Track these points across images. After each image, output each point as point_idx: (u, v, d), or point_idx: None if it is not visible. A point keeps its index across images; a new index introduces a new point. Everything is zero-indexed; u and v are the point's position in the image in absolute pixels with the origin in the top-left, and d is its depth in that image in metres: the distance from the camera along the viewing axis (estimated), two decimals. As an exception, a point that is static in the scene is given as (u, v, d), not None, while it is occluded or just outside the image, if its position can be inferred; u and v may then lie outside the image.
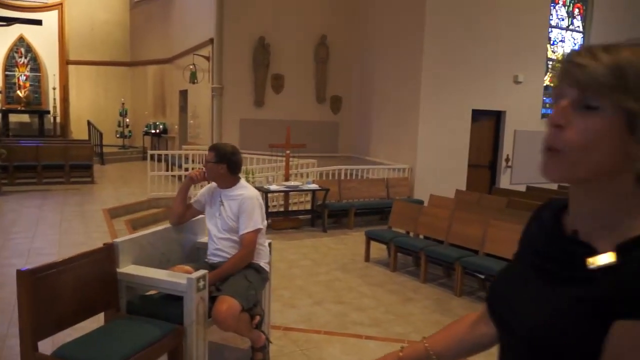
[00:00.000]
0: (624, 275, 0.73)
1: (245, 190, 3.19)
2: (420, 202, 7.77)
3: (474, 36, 9.38)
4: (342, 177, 9.00)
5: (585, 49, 0.78)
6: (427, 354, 1.11)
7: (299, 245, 6.84)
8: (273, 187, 7.62)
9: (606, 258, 0.77)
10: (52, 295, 2.49)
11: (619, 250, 0.77)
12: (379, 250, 6.35)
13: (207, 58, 11.31)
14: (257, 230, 3.12)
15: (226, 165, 3.14)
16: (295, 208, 8.35)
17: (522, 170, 10.27)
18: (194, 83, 11.93)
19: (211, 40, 11.00)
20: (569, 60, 0.79)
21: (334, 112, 11.95)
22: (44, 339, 2.49)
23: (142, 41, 16.64)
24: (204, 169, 3.27)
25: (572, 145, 0.78)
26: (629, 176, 0.78)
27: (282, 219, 7.74)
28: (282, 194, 7.91)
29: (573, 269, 0.80)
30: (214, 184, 3.28)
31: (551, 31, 11.06)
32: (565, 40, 11.41)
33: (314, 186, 7.81)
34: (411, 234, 6.26)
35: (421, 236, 6.12)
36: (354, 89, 11.82)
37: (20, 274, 2.36)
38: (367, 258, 6.23)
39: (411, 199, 8.73)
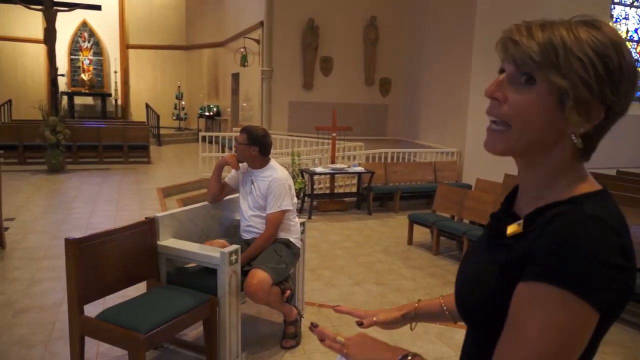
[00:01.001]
0: (526, 242, 0.76)
1: (274, 171, 3.28)
2: (469, 187, 7.62)
3: (528, 15, 8.90)
4: (389, 160, 8.96)
5: (524, 25, 0.79)
6: (441, 309, 1.20)
7: (343, 227, 6.90)
8: (319, 169, 7.69)
9: (515, 227, 0.81)
10: (96, 263, 2.67)
11: (526, 219, 0.80)
12: (423, 234, 6.32)
13: (257, 41, 11.47)
14: (283, 212, 3.21)
15: (258, 147, 3.23)
16: (341, 190, 8.40)
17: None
18: (244, 66, 12.14)
19: (261, 23, 11.13)
20: (507, 35, 0.80)
21: (382, 95, 11.84)
22: (89, 302, 2.69)
23: (197, 25, 17.05)
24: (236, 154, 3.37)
25: (501, 116, 0.80)
26: (562, 151, 0.80)
27: (327, 201, 7.82)
28: (327, 176, 7.98)
29: (500, 237, 0.84)
30: (245, 164, 3.38)
31: (614, 8, 10.42)
32: (629, 17, 10.73)
33: (359, 169, 7.81)
34: (455, 218, 6.18)
35: (466, 221, 6.03)
36: (404, 71, 11.65)
37: (68, 242, 2.56)
38: (409, 241, 6.21)
39: (459, 183, 8.57)
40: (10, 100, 15.30)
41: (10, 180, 8.21)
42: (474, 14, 8.98)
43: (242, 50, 12.07)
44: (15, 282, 4.29)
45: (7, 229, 5.52)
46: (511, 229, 0.82)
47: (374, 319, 1.21)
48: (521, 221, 0.81)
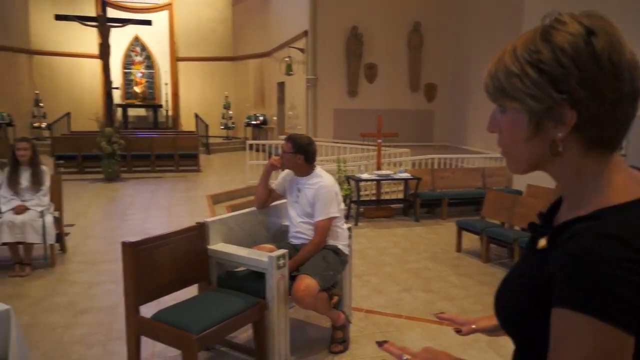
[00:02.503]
0: (550, 261, 0.74)
1: (321, 179, 3.30)
2: (519, 193, 7.42)
3: (578, 10, 8.69)
4: (436, 166, 8.84)
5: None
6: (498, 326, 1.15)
7: (390, 233, 6.86)
8: (364, 175, 7.68)
9: (543, 241, 0.79)
10: (151, 266, 2.78)
11: (552, 235, 0.77)
12: (471, 241, 6.19)
13: (302, 50, 11.61)
14: (331, 219, 3.23)
15: (303, 155, 3.27)
16: (387, 197, 8.35)
17: (637, 158, 9.40)
18: (289, 75, 12.31)
19: (305, 33, 11.28)
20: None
21: (428, 100, 11.72)
22: (145, 304, 2.80)
23: (243, 36, 17.45)
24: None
25: (502, 146, 0.84)
26: (569, 157, 0.78)
27: (373, 208, 7.78)
28: (374, 182, 7.96)
29: (534, 250, 0.83)
30: (290, 171, 3.42)
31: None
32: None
33: (406, 175, 7.75)
34: (506, 225, 6.02)
35: (517, 227, 5.86)
36: (449, 76, 11.49)
37: (125, 246, 2.68)
38: (458, 248, 6.10)
39: (509, 189, 8.35)
40: (69, 113, 16.12)
41: (70, 188, 8.62)
42: (521, 14, 8.77)
43: (287, 59, 12.25)
44: (75, 285, 4.51)
45: (67, 234, 5.80)
46: (541, 243, 0.80)
47: (473, 326, 1.18)
48: (546, 237, 0.79)
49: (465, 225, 6.04)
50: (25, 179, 4.84)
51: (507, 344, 3.20)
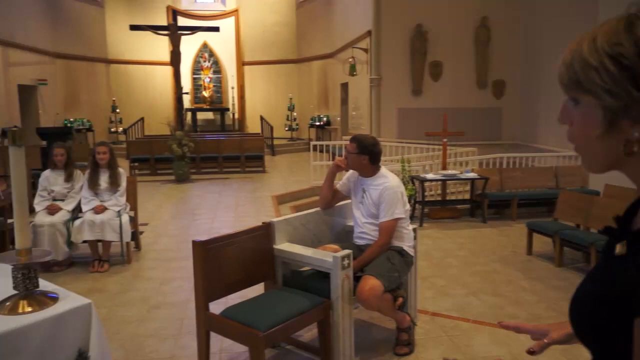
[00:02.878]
0: (629, 268, 0.68)
1: (386, 179, 3.27)
2: (596, 193, 7.01)
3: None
4: (505, 165, 8.53)
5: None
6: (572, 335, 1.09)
7: (456, 235, 6.69)
8: (430, 175, 7.54)
9: (620, 247, 0.73)
10: (219, 264, 2.87)
11: (630, 241, 0.71)
12: (543, 243, 5.91)
13: (366, 50, 11.58)
14: (396, 219, 3.19)
15: (368, 156, 3.25)
16: (453, 197, 8.15)
17: None
18: (353, 75, 12.31)
19: (369, 33, 11.23)
20: None
21: (496, 97, 11.33)
22: (214, 300, 2.89)
23: (307, 39, 17.65)
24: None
25: (572, 140, 0.79)
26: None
27: (439, 209, 7.63)
28: (439, 183, 7.80)
29: (610, 256, 0.76)
30: (355, 172, 3.41)
31: None
32: None
33: (472, 175, 7.54)
34: (581, 227, 5.70)
35: (593, 230, 5.54)
36: (519, 72, 11.06)
37: (195, 244, 2.79)
38: (529, 251, 5.84)
39: (584, 189, 7.91)
40: (142, 118, 16.98)
41: (143, 189, 9.07)
42: (596, 3, 8.28)
43: (350, 60, 12.26)
44: (149, 281, 4.74)
45: (142, 232, 6.11)
46: (619, 249, 0.74)
47: (545, 340, 1.10)
48: (625, 242, 0.73)
49: (537, 227, 5.78)
50: (104, 180, 5.14)
51: (582, 353, 3.02)
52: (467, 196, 8.03)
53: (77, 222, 4.96)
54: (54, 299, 1.62)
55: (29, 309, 1.56)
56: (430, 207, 7.54)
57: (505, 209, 7.80)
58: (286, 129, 17.53)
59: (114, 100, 17.04)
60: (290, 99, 17.63)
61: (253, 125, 18.30)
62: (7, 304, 1.58)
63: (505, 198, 7.69)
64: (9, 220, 5.23)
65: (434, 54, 11.01)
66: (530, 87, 10.61)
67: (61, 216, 4.99)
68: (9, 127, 1.53)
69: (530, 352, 1.10)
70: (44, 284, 1.69)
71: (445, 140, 7.90)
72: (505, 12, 10.94)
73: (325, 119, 16.42)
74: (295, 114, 17.65)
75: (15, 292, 1.60)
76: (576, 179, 8.18)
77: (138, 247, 5.66)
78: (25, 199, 1.58)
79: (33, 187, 6.05)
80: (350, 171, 3.47)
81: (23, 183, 1.55)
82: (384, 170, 3.37)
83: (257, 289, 3.32)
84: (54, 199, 5.14)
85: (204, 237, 2.88)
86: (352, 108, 13.74)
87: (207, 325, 2.82)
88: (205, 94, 18.71)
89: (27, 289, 1.58)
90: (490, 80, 11.26)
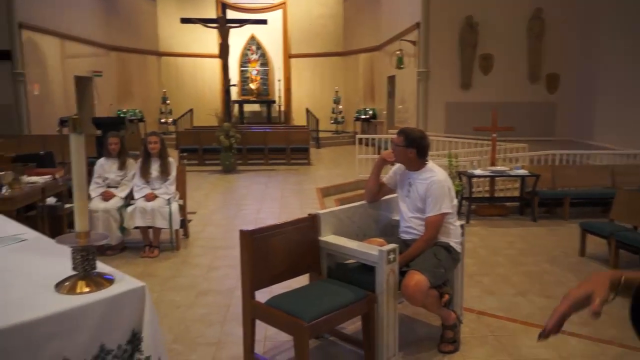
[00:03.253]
0: None
1: (433, 173, 3.21)
2: (656, 193, 6.66)
3: None
4: (557, 162, 8.23)
5: None
6: None
7: (504, 233, 6.51)
8: (478, 171, 7.37)
9: None
10: (266, 253, 2.91)
11: None
12: (597, 245, 5.67)
13: (414, 43, 11.40)
14: (443, 214, 3.13)
15: (415, 149, 3.20)
16: (501, 194, 7.94)
17: None
18: (400, 68, 12.16)
19: (417, 25, 11.05)
20: None
21: (549, 92, 10.93)
22: (259, 289, 2.93)
23: (354, 31, 17.55)
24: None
25: None
26: None
27: (486, 206, 7.45)
28: (487, 179, 7.61)
29: None
30: (402, 165, 3.37)
31: None
32: None
33: (522, 172, 7.31)
34: (639, 230, 5.44)
35: (653, 232, 5.27)
36: (574, 65, 10.61)
37: (243, 233, 2.83)
38: (582, 253, 5.62)
39: (644, 189, 7.53)
40: (191, 109, 17.37)
41: (191, 179, 9.26)
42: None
43: (398, 52, 12.10)
44: (197, 267, 4.86)
45: (190, 221, 6.26)
46: None
47: (598, 300, 1.03)
48: None
49: (591, 228, 5.55)
50: (155, 169, 5.30)
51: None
52: (516, 193, 7.81)
53: (130, 208, 5.13)
54: (110, 280, 1.68)
55: (87, 289, 1.62)
56: (477, 204, 7.37)
57: (556, 208, 7.53)
58: (331, 121, 17.53)
59: (164, 91, 17.52)
60: (336, 91, 17.60)
61: (299, 118, 18.40)
62: (67, 283, 1.65)
63: (557, 196, 7.43)
64: (66, 205, 5.49)
65: (484, 47, 10.72)
66: (587, 81, 10.17)
67: (114, 203, 5.18)
68: (71, 115, 1.59)
69: (596, 314, 1.04)
70: (100, 266, 1.75)
71: (494, 135, 7.70)
72: (561, 4, 10.52)
73: (371, 112, 16.31)
74: (341, 106, 17.62)
75: (74, 272, 1.67)
76: (634, 179, 7.80)
77: (186, 234, 5.80)
78: (84, 184, 1.64)
79: (88, 174, 6.30)
80: (397, 165, 3.42)
81: (82, 169, 1.61)
82: (431, 164, 3.31)
83: (301, 281, 3.34)
84: (108, 186, 5.35)
85: (250, 227, 2.92)
86: (398, 101, 13.58)
87: (253, 313, 2.87)
88: (252, 86, 18.94)
89: (85, 270, 1.64)
90: (544, 73, 10.87)
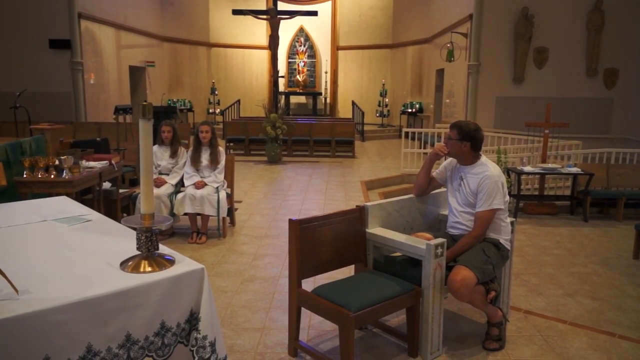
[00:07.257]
0: None
1: (486, 168, 3.16)
2: None
3: None
4: (612, 161, 7.92)
5: None
6: None
7: (553, 232, 6.34)
8: (527, 168, 7.19)
9: None
10: (313, 243, 2.96)
11: None
12: (653, 247, 5.45)
13: (465, 35, 11.16)
14: (494, 210, 3.08)
15: (469, 142, 3.16)
16: (551, 193, 7.72)
17: None
18: (450, 61, 11.94)
19: (470, 17, 10.81)
20: None
21: (607, 87, 10.48)
22: (306, 278, 2.99)
23: (403, 23, 17.32)
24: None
25: None
26: None
27: (535, 204, 7.26)
28: (537, 176, 7.41)
29: None
30: (454, 159, 3.33)
31: None
32: None
33: (575, 170, 7.08)
34: (701, 233, 5.19)
35: None
36: (635, 60, 10.13)
37: (291, 222, 2.89)
38: (636, 255, 5.41)
39: None
40: (239, 100, 17.65)
41: (238, 168, 9.46)
42: None
43: (448, 45, 11.89)
44: (242, 255, 4.98)
45: (236, 209, 6.40)
46: None
47: None
48: None
49: (648, 230, 5.34)
50: (205, 158, 5.44)
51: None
52: (567, 192, 7.58)
53: (180, 195, 5.30)
54: (170, 261, 1.77)
55: (149, 269, 1.71)
56: (525, 202, 7.20)
57: (610, 208, 7.26)
58: (377, 114, 17.42)
59: (213, 82, 17.86)
60: (383, 84, 17.46)
61: (344, 110, 18.38)
62: (131, 262, 1.75)
63: (611, 196, 7.16)
64: (121, 190, 5.71)
65: (540, 40, 10.38)
66: (648, 77, 9.71)
67: (165, 189, 5.36)
68: (141, 103, 1.67)
69: None
70: (161, 248, 1.84)
71: (547, 131, 7.47)
72: (623, -5, 10.06)
73: (417, 105, 16.11)
74: (387, 100, 17.48)
75: (137, 252, 1.76)
76: (697, 180, 7.43)
77: (233, 222, 5.94)
78: (151, 168, 1.72)
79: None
80: (448, 159, 3.39)
81: (150, 153, 1.70)
82: (484, 158, 3.26)
83: (344, 272, 3.37)
84: (160, 173, 5.53)
85: (295, 217, 2.97)
86: (446, 95, 13.36)
87: (299, 301, 2.93)
88: (299, 77, 19.05)
89: (149, 250, 1.73)
90: (602, 68, 10.44)
